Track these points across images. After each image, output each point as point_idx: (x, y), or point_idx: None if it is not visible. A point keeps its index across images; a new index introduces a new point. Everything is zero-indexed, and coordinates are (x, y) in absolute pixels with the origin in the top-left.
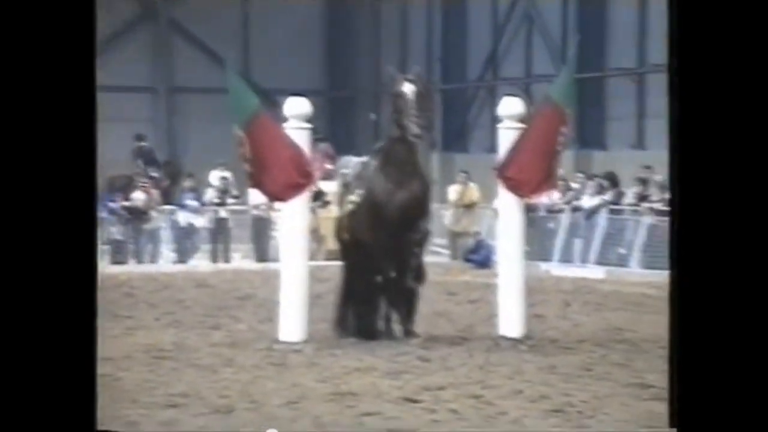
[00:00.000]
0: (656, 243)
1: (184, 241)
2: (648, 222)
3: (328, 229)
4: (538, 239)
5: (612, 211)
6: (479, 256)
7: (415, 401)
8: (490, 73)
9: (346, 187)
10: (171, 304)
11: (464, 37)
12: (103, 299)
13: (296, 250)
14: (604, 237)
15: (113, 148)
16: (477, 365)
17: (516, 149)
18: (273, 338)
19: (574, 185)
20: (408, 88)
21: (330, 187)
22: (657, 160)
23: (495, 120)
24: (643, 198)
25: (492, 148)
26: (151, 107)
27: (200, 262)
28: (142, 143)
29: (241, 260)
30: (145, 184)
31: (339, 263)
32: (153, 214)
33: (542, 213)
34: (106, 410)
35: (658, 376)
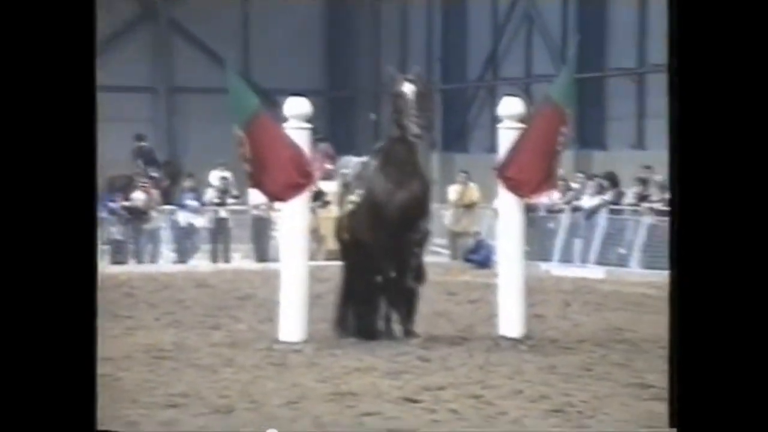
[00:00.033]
0: (656, 243)
1: (184, 241)
2: (648, 222)
3: (328, 229)
4: (538, 239)
5: (612, 211)
6: (479, 256)
7: (415, 401)
8: (490, 73)
9: (346, 187)
10: (171, 304)
11: (464, 37)
12: (103, 299)
13: (296, 250)
14: (604, 237)
15: (113, 148)
16: (477, 365)
17: (516, 149)
18: (273, 338)
19: (574, 185)
20: (408, 88)
21: (330, 187)
22: (657, 160)
23: (495, 120)
24: (643, 198)
25: (492, 148)
26: (151, 107)
27: (200, 262)
28: (142, 143)
29: (241, 260)
30: (145, 184)
31: (339, 263)
32: (153, 214)
33: (542, 213)
34: (106, 410)
35: (658, 376)
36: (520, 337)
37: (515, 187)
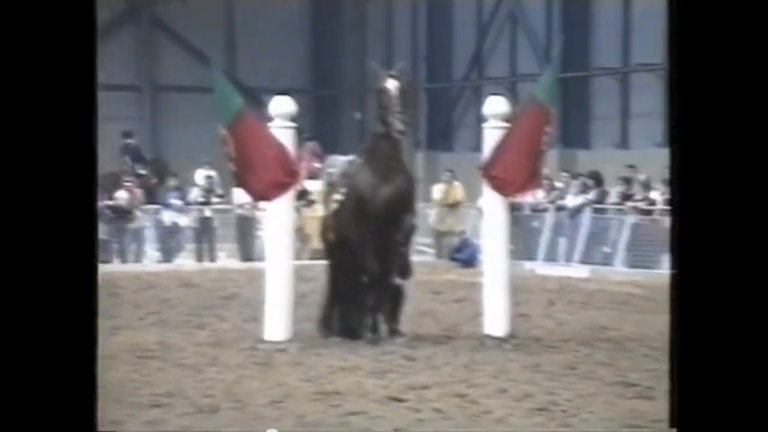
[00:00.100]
0: (640, 242)
1: (169, 240)
2: (632, 221)
3: (313, 228)
4: (522, 238)
5: (596, 210)
6: (464, 255)
7: (399, 400)
8: (475, 72)
9: (331, 186)
10: (155, 304)
11: (449, 36)
12: None
13: (281, 250)
14: (589, 236)
15: (98, 146)
16: (462, 364)
17: (501, 148)
18: (258, 337)
19: (558, 184)
20: (392, 85)
21: (315, 186)
22: (641, 159)
23: (480, 119)
24: (627, 197)
25: (477, 147)
26: (135, 106)
27: (185, 262)
28: (129, 140)
29: (226, 259)
30: (129, 183)
31: (324, 262)
32: (137, 213)
33: (527, 212)
34: None
35: (642, 374)
36: (504, 336)
37: (500, 186)
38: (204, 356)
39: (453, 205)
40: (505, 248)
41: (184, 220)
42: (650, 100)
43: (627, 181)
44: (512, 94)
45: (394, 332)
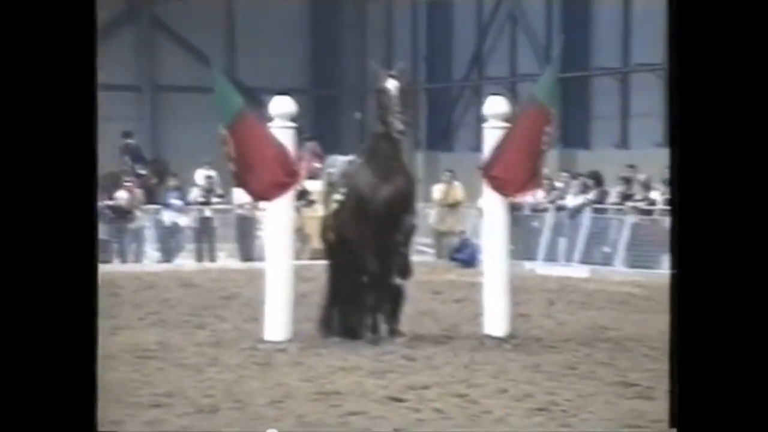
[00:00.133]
0: (640, 242)
1: (169, 240)
2: (632, 221)
3: (312, 228)
4: (522, 238)
5: (596, 210)
6: (464, 255)
7: (400, 400)
8: (475, 72)
9: (332, 186)
10: (155, 304)
11: (449, 36)
12: None
13: (281, 250)
14: (589, 236)
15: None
16: (462, 364)
17: (501, 148)
18: (258, 337)
19: (558, 184)
20: (392, 85)
21: (315, 186)
22: (640, 159)
23: (480, 119)
24: (626, 197)
25: (477, 147)
26: (135, 106)
27: (185, 262)
28: (130, 140)
29: (225, 259)
30: (129, 183)
31: (324, 262)
32: (137, 213)
33: (527, 212)
34: None
35: (642, 374)
36: (504, 336)
37: (500, 186)
38: (204, 356)
39: (453, 205)
40: (505, 248)
41: (184, 220)
42: (650, 100)
43: (627, 181)
44: (512, 94)
45: (394, 332)
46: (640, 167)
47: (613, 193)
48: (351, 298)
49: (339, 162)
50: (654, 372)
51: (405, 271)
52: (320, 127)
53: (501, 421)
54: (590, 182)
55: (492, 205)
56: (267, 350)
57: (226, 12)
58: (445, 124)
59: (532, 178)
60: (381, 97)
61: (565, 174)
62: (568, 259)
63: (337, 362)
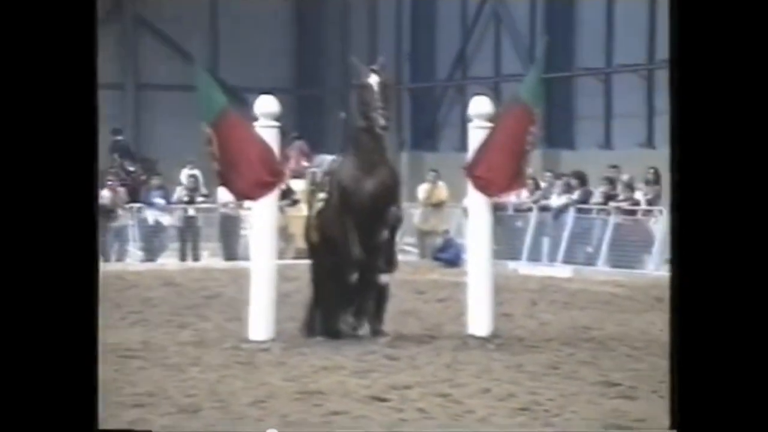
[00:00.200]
0: (623, 242)
1: (152, 239)
2: (615, 221)
3: (297, 228)
4: (506, 238)
5: (579, 210)
6: (448, 255)
7: (382, 400)
8: (459, 72)
9: (316, 186)
10: (138, 303)
11: (433, 36)
12: None
13: (265, 249)
14: (572, 236)
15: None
16: (445, 364)
17: (485, 148)
18: (241, 337)
19: (542, 184)
20: (374, 80)
21: (299, 186)
22: (624, 159)
23: (465, 119)
24: (610, 197)
25: (461, 146)
26: (118, 104)
27: (168, 261)
28: (118, 137)
29: (209, 258)
30: (111, 182)
31: (307, 262)
32: (119, 212)
33: (511, 212)
34: None
35: (625, 374)
36: (488, 336)
37: (484, 186)
38: (186, 356)
39: (437, 205)
40: (488, 248)
41: (168, 219)
42: (633, 100)
43: (610, 181)
44: (496, 94)
45: (377, 332)
46: (623, 167)
47: (597, 193)
48: (335, 299)
49: (327, 161)
50: (636, 372)
51: (391, 263)
52: (304, 127)
53: (484, 420)
54: (574, 182)
55: (476, 204)
56: (250, 350)
57: (209, 10)
58: (429, 124)
59: (516, 178)
60: (363, 93)
61: (548, 174)
62: (552, 259)
63: (320, 362)
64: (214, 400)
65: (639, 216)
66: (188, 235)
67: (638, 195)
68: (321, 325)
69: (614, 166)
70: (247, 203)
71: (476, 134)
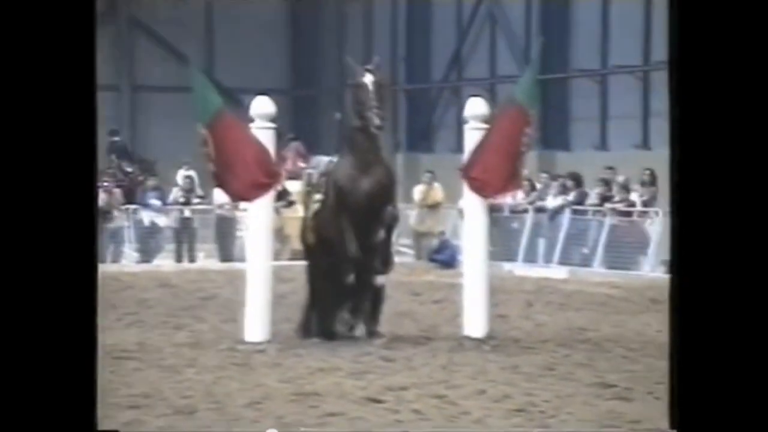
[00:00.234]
0: (618, 243)
1: (148, 240)
2: (610, 222)
3: (292, 229)
4: (502, 239)
5: (575, 212)
6: (444, 256)
7: (378, 401)
8: (454, 73)
9: (312, 187)
10: (134, 304)
11: (429, 37)
12: None
13: (261, 250)
14: (567, 237)
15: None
16: (440, 365)
17: (480, 150)
18: (236, 338)
19: (538, 185)
20: (369, 80)
21: (294, 187)
22: (619, 160)
23: (460, 120)
24: (605, 199)
25: (457, 148)
26: (113, 105)
27: (164, 262)
28: (115, 138)
29: (205, 260)
30: (107, 183)
31: (303, 263)
32: (115, 213)
33: (506, 213)
34: None
35: (620, 375)
36: (483, 337)
37: (480, 188)
38: (182, 357)
39: (433, 206)
40: (484, 249)
41: (164, 221)
42: (629, 101)
43: (606, 182)
44: (491, 96)
45: (372, 333)
46: (618, 169)
47: (593, 194)
48: (331, 300)
49: (323, 163)
50: (632, 373)
51: (387, 262)
52: (300, 128)
53: (479, 422)
54: (569, 183)
55: (472, 206)
56: (246, 351)
57: (204, 12)
58: (425, 126)
59: (511, 180)
60: (358, 92)
61: (544, 175)
62: (547, 260)
63: (315, 363)
64: (210, 401)
65: (635, 217)
66: (184, 236)
67: (634, 196)
68: (317, 326)
69: (610, 168)
70: (242, 204)
71: (472, 135)
